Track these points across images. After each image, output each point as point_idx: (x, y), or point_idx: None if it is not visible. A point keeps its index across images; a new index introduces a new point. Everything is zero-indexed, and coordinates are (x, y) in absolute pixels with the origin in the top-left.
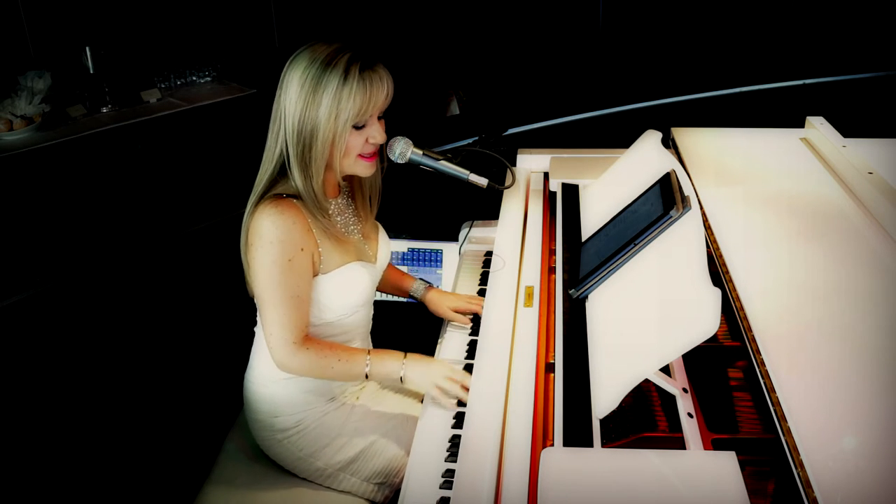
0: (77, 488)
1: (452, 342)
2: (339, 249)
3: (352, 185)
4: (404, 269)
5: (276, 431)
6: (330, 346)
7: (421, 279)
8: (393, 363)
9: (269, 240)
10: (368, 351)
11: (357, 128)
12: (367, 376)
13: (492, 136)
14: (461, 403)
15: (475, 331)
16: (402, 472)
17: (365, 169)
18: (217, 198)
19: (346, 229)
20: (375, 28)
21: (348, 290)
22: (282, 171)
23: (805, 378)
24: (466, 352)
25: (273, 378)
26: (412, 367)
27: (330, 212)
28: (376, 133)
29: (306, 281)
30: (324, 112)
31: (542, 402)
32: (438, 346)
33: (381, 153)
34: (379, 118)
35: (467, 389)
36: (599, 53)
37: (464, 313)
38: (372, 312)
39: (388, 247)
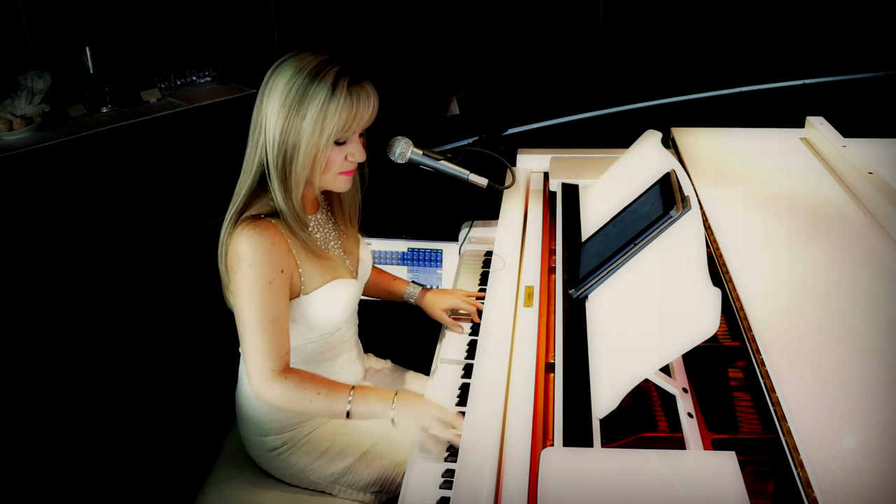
0: (77, 489)
1: (452, 342)
2: (321, 268)
3: (331, 200)
4: (404, 269)
5: (266, 450)
6: (312, 378)
7: (414, 282)
8: (380, 404)
9: (248, 262)
10: (353, 387)
11: (338, 143)
12: (348, 415)
13: (492, 136)
14: (452, 451)
15: (475, 331)
16: (398, 479)
17: (343, 184)
18: (217, 198)
19: (325, 245)
20: (375, 28)
21: (331, 308)
22: (261, 183)
23: (805, 378)
24: (466, 352)
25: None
26: (402, 408)
27: (310, 228)
28: (356, 151)
29: (285, 304)
30: (308, 125)
31: (542, 402)
32: (438, 347)
33: (361, 166)
34: (360, 135)
35: (459, 435)
36: (599, 53)
37: (460, 315)
38: (357, 322)
39: (369, 259)
